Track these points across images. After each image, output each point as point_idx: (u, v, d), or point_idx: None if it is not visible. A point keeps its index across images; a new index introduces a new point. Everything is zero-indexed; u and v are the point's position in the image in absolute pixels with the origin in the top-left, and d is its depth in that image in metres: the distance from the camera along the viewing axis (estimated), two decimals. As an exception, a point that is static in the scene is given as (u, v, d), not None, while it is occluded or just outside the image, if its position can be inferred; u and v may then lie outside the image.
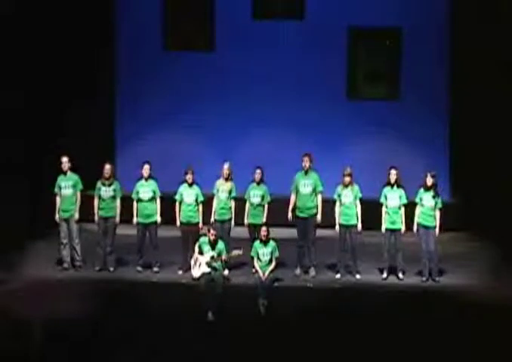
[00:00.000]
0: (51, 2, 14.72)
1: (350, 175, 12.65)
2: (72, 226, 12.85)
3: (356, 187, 12.69)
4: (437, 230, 12.47)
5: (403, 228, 12.54)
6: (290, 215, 12.85)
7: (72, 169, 12.93)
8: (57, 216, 12.87)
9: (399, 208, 12.59)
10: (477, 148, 15.04)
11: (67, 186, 12.88)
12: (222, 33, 16.23)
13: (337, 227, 12.69)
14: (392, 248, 12.59)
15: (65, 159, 12.89)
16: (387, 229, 12.59)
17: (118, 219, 12.87)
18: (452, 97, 15.99)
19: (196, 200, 12.85)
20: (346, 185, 12.65)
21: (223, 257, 12.11)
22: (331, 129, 16.07)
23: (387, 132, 15.96)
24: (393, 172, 12.62)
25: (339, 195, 12.67)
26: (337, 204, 12.69)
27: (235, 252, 12.63)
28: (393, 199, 12.59)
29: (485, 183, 14.65)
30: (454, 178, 15.88)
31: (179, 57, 16.30)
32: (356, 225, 12.62)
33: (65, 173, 12.91)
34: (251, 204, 12.92)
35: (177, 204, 12.92)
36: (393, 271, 12.68)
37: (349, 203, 12.63)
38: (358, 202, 12.65)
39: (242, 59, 16.17)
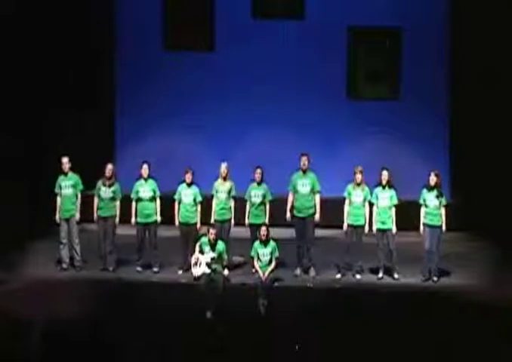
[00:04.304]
0: (51, 2, 14.72)
1: (361, 172, 12.63)
2: (72, 226, 12.86)
3: (366, 188, 12.66)
4: (444, 227, 12.45)
5: (394, 229, 12.54)
6: (288, 215, 12.85)
7: (73, 169, 12.94)
8: (57, 215, 12.87)
9: (390, 208, 12.59)
10: (477, 148, 15.06)
11: (67, 186, 12.88)
12: (222, 33, 16.23)
13: (345, 226, 12.69)
14: (385, 248, 12.59)
15: (65, 160, 12.91)
16: (377, 229, 12.60)
17: (117, 220, 12.87)
18: (452, 97, 15.99)
19: (194, 201, 12.86)
20: (357, 184, 12.63)
21: (224, 262, 12.14)
22: (331, 129, 16.08)
23: (387, 132, 15.96)
24: (385, 173, 12.62)
25: (349, 194, 12.67)
26: (347, 202, 12.68)
27: (237, 259, 12.62)
28: (383, 199, 12.59)
29: (485, 183, 14.66)
30: (454, 178, 15.88)
31: (179, 57, 16.29)
32: (363, 226, 12.62)
33: (65, 174, 12.92)
34: (253, 204, 12.91)
35: (176, 203, 12.93)
36: (388, 271, 12.68)
37: (359, 203, 12.61)
38: (367, 203, 12.65)
39: (242, 59, 16.17)
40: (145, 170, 12.90)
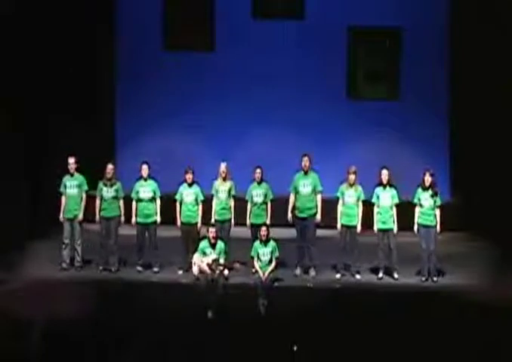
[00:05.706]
0: (51, 3, 14.72)
1: (355, 173, 12.64)
2: (75, 227, 12.86)
3: (359, 188, 12.68)
4: (438, 228, 12.47)
5: (395, 228, 12.54)
6: (290, 216, 12.84)
7: (79, 169, 12.95)
8: (61, 215, 12.87)
9: (391, 208, 12.58)
10: (477, 148, 15.05)
11: (72, 186, 12.89)
12: (222, 33, 16.24)
13: (338, 226, 12.68)
14: (386, 248, 12.59)
15: (72, 160, 12.92)
16: (379, 229, 12.59)
17: (122, 219, 12.88)
18: (452, 97, 16.00)
19: (196, 200, 12.86)
20: (350, 185, 12.63)
21: (225, 263, 12.15)
22: (331, 129, 16.08)
23: (387, 132, 15.96)
24: (385, 172, 12.62)
25: (342, 193, 12.66)
26: (340, 202, 12.68)
27: (237, 266, 12.60)
28: (384, 199, 12.59)
29: (485, 183, 14.65)
30: (454, 178, 15.89)
31: (179, 57, 16.29)
32: (356, 226, 12.61)
33: (71, 174, 12.92)
34: (254, 204, 12.92)
35: (178, 203, 12.93)
36: (388, 271, 12.68)
37: (352, 203, 12.62)
38: (360, 203, 12.65)
39: (242, 59, 16.17)
40: (144, 170, 12.91)
